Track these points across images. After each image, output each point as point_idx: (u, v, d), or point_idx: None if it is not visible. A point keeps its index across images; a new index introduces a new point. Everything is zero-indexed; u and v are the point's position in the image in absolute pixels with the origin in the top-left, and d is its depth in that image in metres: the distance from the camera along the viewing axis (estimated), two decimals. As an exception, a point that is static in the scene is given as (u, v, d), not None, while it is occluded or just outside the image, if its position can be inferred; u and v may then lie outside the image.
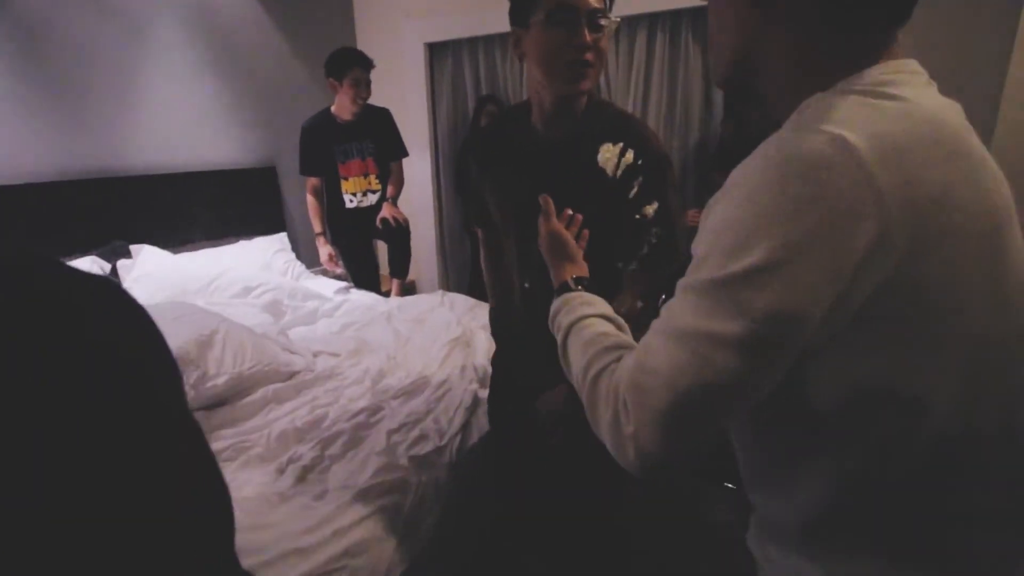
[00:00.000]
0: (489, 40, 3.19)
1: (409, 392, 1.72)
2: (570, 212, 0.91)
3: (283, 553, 1.08)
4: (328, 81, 2.49)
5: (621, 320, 0.68)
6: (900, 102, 0.47)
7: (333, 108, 2.57)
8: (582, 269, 0.82)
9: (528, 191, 1.03)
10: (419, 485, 1.31)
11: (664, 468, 0.50)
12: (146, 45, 2.49)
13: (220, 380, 1.63)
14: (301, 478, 1.31)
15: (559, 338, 0.69)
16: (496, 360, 1.42)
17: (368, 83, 2.50)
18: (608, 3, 0.97)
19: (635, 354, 0.52)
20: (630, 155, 0.99)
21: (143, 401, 0.35)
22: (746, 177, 0.47)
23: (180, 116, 2.65)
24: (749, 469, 0.61)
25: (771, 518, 0.60)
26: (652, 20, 2.73)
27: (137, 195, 2.47)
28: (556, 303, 0.75)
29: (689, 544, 1.80)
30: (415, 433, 1.47)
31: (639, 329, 0.59)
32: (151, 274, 2.28)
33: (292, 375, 1.82)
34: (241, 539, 1.22)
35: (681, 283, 0.51)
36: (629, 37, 2.80)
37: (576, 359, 0.62)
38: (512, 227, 1.16)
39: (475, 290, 2.83)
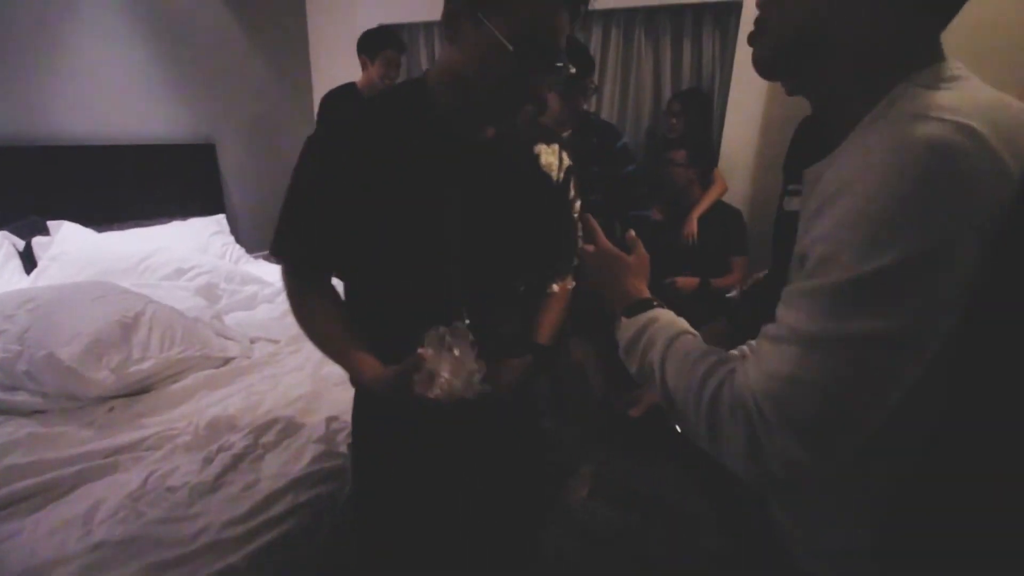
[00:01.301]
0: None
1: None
2: (632, 234, 0.81)
3: (207, 545, 1.02)
4: (359, 58, 2.40)
5: None
6: (991, 93, 0.48)
7: (358, 84, 2.47)
8: (645, 286, 0.74)
9: (457, 198, 0.85)
10: (357, 473, 1.28)
11: (812, 474, 0.48)
12: (72, 3, 2.29)
13: (145, 365, 1.53)
14: (231, 467, 1.25)
15: (656, 352, 0.62)
16: None
17: (399, 65, 2.42)
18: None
19: (756, 366, 0.50)
20: (566, 157, 0.99)
21: None
22: (869, 170, 0.45)
23: (109, 83, 2.46)
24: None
25: (808, 540, 0.59)
26: (607, 17, 2.76)
27: (57, 167, 2.28)
28: (641, 318, 0.67)
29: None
30: (355, 421, 1.43)
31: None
32: (71, 253, 2.11)
33: (226, 361, 1.73)
34: (162, 531, 1.14)
35: (799, 288, 0.48)
36: (584, 32, 2.82)
37: (684, 373, 0.57)
38: (425, 247, 0.86)
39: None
